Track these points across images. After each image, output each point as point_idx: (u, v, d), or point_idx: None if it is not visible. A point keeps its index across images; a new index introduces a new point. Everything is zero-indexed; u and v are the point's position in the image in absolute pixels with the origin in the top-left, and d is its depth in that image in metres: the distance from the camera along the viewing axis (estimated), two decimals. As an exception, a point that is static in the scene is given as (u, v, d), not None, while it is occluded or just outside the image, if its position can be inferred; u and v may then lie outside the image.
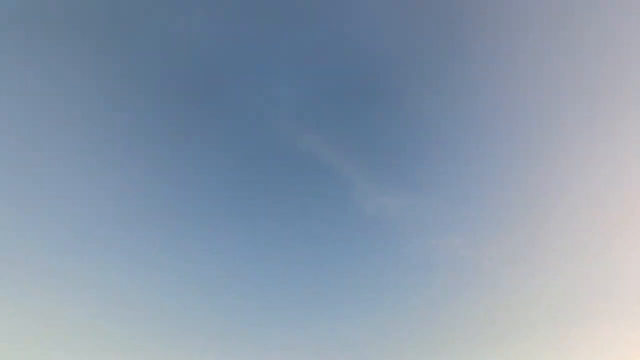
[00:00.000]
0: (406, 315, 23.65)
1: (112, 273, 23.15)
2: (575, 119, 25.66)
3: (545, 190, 25.13)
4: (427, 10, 26.46)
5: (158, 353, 21.78)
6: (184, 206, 24.98)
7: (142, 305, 22.91)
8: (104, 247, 23.40)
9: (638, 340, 22.15)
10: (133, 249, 23.69)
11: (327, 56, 26.98)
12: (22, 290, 21.46)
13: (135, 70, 26.17)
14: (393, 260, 24.32)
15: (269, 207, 25.34)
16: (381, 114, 26.42)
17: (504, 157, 25.62)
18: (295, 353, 22.16)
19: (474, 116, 26.25)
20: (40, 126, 24.29)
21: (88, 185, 24.38)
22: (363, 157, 25.45)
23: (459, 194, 25.18)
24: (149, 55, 26.49)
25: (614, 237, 23.91)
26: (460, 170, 25.73)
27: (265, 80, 26.80)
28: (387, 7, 26.72)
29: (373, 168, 25.37)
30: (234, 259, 24.44)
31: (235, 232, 24.81)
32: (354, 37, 26.95)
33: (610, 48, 25.93)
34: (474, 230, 24.66)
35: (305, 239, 24.79)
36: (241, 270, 24.30)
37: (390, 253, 24.37)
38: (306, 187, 25.52)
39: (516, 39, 26.37)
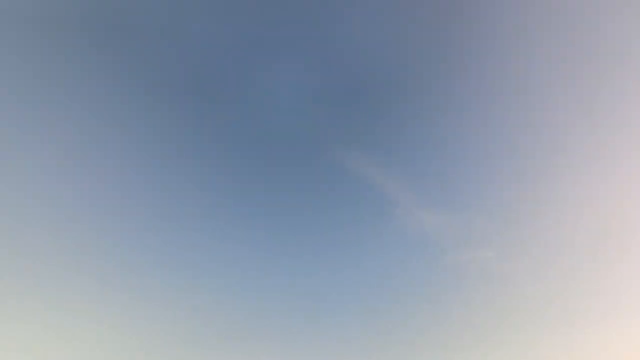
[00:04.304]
0: (437, 324, 25.12)
1: (119, 272, 23.45)
2: (592, 123, 26.53)
3: (577, 206, 26.30)
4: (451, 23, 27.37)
5: (164, 353, 22.17)
6: (220, 219, 26.44)
7: (154, 305, 23.36)
8: (110, 246, 23.81)
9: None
10: (144, 247, 24.47)
11: (356, 65, 28.39)
12: (23, 291, 21.50)
13: (140, 71, 26.45)
14: (428, 272, 26.06)
15: (314, 222, 27.10)
16: (422, 134, 28.29)
17: (533, 173, 27.09)
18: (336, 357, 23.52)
19: (504, 134, 27.66)
20: (40, 126, 24.31)
21: (91, 185, 24.60)
22: (406, 177, 27.57)
23: (493, 210, 26.79)
24: (154, 56, 26.69)
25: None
26: (494, 187, 27.32)
27: (297, 94, 28.34)
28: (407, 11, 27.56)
29: (414, 187, 27.38)
30: (276, 271, 26.00)
31: (277, 246, 26.38)
32: (386, 48, 28.19)
33: (611, 48, 26.46)
34: (505, 244, 26.13)
35: (351, 250, 26.86)
36: (284, 281, 25.85)
37: (426, 266, 26.18)
38: (354, 204, 27.72)
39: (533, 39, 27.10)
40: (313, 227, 26.79)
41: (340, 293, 25.66)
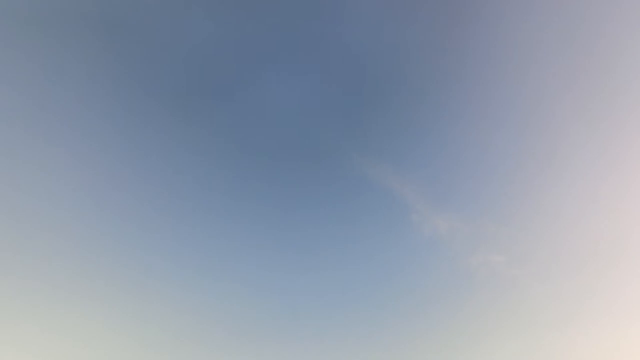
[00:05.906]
0: (448, 327, 25.69)
1: (121, 272, 23.35)
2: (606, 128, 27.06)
3: (588, 212, 26.78)
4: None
5: (166, 352, 22.22)
6: (230, 224, 26.50)
7: (156, 304, 23.25)
8: (112, 245, 23.71)
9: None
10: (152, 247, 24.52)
11: (371, 70, 28.74)
12: (23, 290, 21.37)
13: (143, 71, 26.34)
14: (440, 276, 26.83)
15: (326, 227, 27.56)
16: (435, 140, 28.96)
17: (546, 179, 27.67)
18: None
19: (519, 141, 28.20)
20: (41, 126, 24.14)
21: (91, 185, 24.43)
22: (419, 182, 28.41)
23: (504, 215, 27.46)
24: (155, 56, 26.65)
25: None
26: (506, 192, 27.99)
27: (311, 99, 28.71)
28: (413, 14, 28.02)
29: (427, 192, 28.27)
30: (287, 274, 26.30)
31: (289, 249, 26.74)
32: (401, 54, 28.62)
33: (612, 49, 26.89)
34: (516, 249, 26.78)
35: (364, 254, 27.39)
36: (297, 283, 26.23)
37: (438, 270, 26.91)
38: (367, 209, 28.31)
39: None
40: (326, 232, 27.39)
41: (352, 296, 26.23)
